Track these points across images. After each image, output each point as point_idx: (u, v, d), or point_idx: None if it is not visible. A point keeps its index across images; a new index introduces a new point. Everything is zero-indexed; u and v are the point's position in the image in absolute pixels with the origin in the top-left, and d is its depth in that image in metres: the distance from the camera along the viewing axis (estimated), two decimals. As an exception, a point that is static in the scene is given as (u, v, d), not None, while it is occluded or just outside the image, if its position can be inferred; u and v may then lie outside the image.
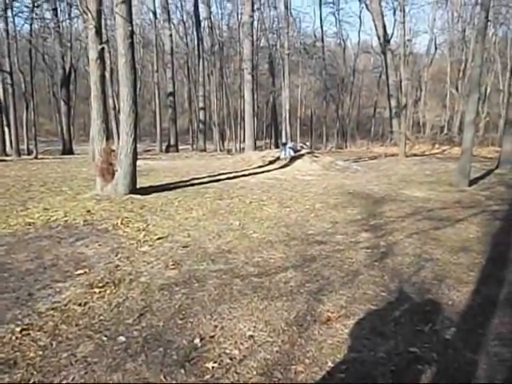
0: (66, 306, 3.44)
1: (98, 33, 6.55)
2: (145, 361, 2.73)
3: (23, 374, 2.55)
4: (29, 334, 3.02)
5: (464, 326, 3.16)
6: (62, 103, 22.61)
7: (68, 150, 23.08)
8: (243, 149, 27.75)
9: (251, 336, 3.03)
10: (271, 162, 11.53)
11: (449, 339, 2.98)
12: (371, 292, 3.72)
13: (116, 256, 4.59)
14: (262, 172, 10.31)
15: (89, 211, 6.22)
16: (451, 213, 6.49)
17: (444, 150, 20.04)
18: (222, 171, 10.26)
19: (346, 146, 34.36)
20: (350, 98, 39.10)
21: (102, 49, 6.61)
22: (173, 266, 4.33)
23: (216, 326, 3.15)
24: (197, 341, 2.96)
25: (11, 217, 6.01)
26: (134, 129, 6.87)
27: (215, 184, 8.70)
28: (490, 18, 11.07)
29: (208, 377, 2.55)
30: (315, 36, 36.46)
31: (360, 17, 38.19)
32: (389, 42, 29.58)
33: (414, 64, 38.90)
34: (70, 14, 24.33)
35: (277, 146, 29.02)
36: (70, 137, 23.96)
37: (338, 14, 37.54)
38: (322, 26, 35.60)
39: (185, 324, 3.18)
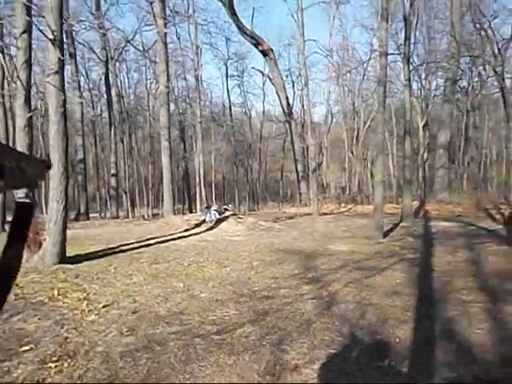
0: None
1: (27, 101, 6.46)
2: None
3: None
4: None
5: (415, 359, 3.54)
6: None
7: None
8: (155, 214, 27.41)
9: (226, 391, 3.10)
10: (197, 225, 11.63)
11: (406, 371, 3.33)
12: (327, 338, 3.99)
13: (62, 328, 4.34)
14: (191, 235, 10.35)
15: (17, 285, 5.77)
16: (375, 262, 7.15)
17: (350, 208, 21.77)
18: (148, 236, 10.11)
19: (258, 208, 35.56)
20: (259, 162, 41.17)
21: (31, 117, 6.50)
22: (128, 333, 4.21)
23: (191, 386, 3.16)
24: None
25: None
26: (64, 196, 6.67)
27: (146, 249, 8.55)
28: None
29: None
30: (224, 105, 38.39)
31: (263, 89, 40.86)
32: (291, 112, 32.31)
33: (314, 131, 42.53)
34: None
35: (190, 211, 29.04)
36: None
37: (243, 86, 40.01)
38: (229, 97, 37.90)
39: (159, 386, 3.14)
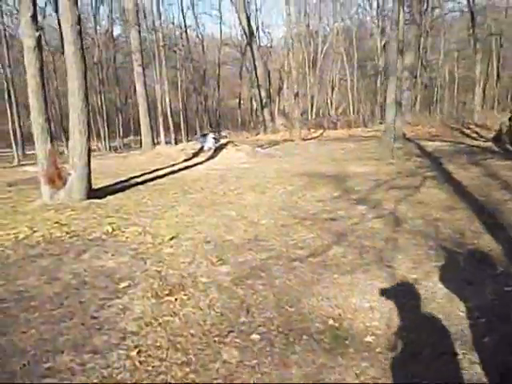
0: (156, 319, 3.05)
1: (35, 18, 5.56)
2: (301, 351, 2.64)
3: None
4: (149, 355, 2.65)
5: (519, 263, 3.74)
6: None
7: None
8: (112, 147, 25.96)
9: (371, 307, 3.13)
10: (195, 155, 11.21)
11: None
12: (421, 252, 4.09)
13: (145, 263, 4.14)
14: (195, 164, 9.97)
15: (57, 222, 5.39)
16: (404, 181, 7.31)
17: (321, 133, 21.88)
18: (152, 168, 9.64)
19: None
20: (218, 90, 39.72)
21: (40, 36, 5.65)
22: (219, 262, 4.10)
23: (333, 306, 3.16)
24: (331, 322, 2.95)
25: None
26: (87, 127, 6.08)
27: (162, 180, 8.19)
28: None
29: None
30: (180, 27, 35.86)
31: (220, 10, 38.39)
32: (253, 33, 30.79)
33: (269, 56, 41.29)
34: None
35: (153, 142, 27.68)
36: None
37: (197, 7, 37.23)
38: (184, 18, 35.43)
39: (301, 309, 3.12)
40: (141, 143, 22.12)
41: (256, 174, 8.54)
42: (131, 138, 34.23)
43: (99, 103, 28.36)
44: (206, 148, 11.64)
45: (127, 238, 4.83)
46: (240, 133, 32.64)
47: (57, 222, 5.37)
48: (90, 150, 6.26)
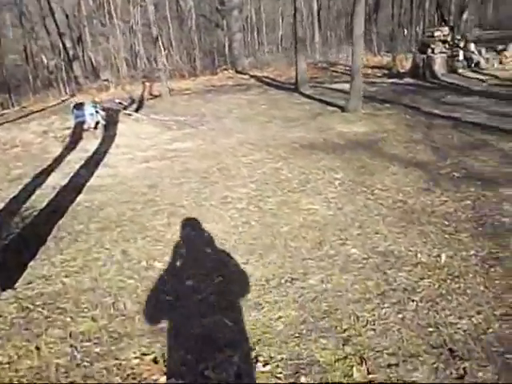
0: None
1: None
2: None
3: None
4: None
5: None
6: None
7: None
8: None
9: None
10: (77, 138, 6.96)
11: None
12: None
13: None
14: (100, 153, 6.05)
15: None
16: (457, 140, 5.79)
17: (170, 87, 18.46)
18: (27, 173, 5.52)
19: (13, 104, 27.44)
20: (-1, 43, 30.65)
21: None
22: None
23: None
24: None
25: None
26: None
27: (85, 197, 4.57)
28: None
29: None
30: None
31: None
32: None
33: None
34: None
35: None
36: None
37: None
38: None
39: None
40: None
41: (240, 159, 5.53)
42: None
43: None
44: (89, 125, 7.61)
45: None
46: (43, 96, 25.97)
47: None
48: None
